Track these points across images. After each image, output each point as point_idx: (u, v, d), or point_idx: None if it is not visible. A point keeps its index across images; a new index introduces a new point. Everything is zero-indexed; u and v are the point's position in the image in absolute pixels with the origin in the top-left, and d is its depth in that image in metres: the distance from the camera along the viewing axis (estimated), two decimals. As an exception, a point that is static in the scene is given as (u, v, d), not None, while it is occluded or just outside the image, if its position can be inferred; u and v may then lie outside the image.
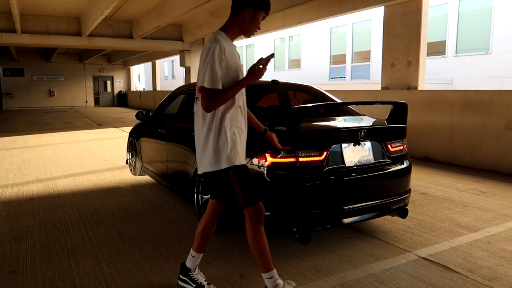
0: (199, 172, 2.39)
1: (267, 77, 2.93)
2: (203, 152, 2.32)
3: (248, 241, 2.36)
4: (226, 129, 2.27)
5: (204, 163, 2.34)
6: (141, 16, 14.27)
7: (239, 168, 2.31)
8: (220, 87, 2.20)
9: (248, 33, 2.39)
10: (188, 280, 2.59)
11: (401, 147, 3.46)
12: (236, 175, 2.29)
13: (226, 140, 2.27)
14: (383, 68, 8.21)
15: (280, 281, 2.34)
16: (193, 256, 2.58)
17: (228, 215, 3.26)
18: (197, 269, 2.63)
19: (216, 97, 2.19)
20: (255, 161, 2.97)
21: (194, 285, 2.55)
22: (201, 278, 2.59)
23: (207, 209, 2.56)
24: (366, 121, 3.59)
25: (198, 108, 2.35)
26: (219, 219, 3.39)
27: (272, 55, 2.32)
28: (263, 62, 2.26)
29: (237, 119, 2.34)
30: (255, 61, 2.28)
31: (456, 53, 18.03)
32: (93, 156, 7.81)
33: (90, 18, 12.74)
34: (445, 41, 18.22)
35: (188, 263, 2.61)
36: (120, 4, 12.13)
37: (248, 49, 29.94)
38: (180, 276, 2.64)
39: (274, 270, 2.35)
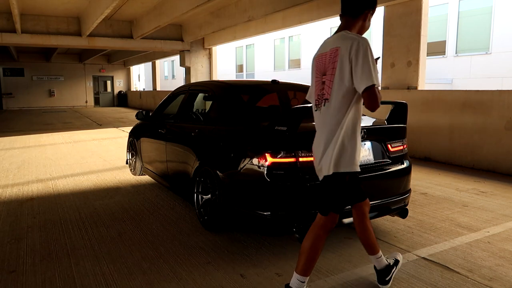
0: (327, 173, 2.21)
1: (267, 77, 2.93)
2: (336, 153, 2.17)
3: (305, 244, 2.30)
4: (357, 131, 2.20)
5: (331, 164, 2.18)
6: (141, 16, 14.27)
7: (355, 174, 2.24)
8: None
9: (363, 34, 2.30)
10: None
11: (401, 147, 3.47)
12: (349, 181, 2.22)
13: (355, 143, 2.20)
14: (383, 68, 8.21)
15: None
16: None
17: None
18: None
19: (379, 95, 2.08)
20: (255, 161, 2.97)
21: None
22: None
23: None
24: (366, 121, 3.58)
25: (329, 109, 2.20)
26: (214, 217, 3.39)
27: (378, 58, 2.29)
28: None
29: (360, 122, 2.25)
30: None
31: (456, 53, 18.04)
32: (93, 156, 7.81)
33: (90, 18, 12.74)
34: (445, 41, 18.22)
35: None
36: (120, 4, 12.11)
37: (248, 49, 29.87)
38: None
39: (308, 278, 2.35)
